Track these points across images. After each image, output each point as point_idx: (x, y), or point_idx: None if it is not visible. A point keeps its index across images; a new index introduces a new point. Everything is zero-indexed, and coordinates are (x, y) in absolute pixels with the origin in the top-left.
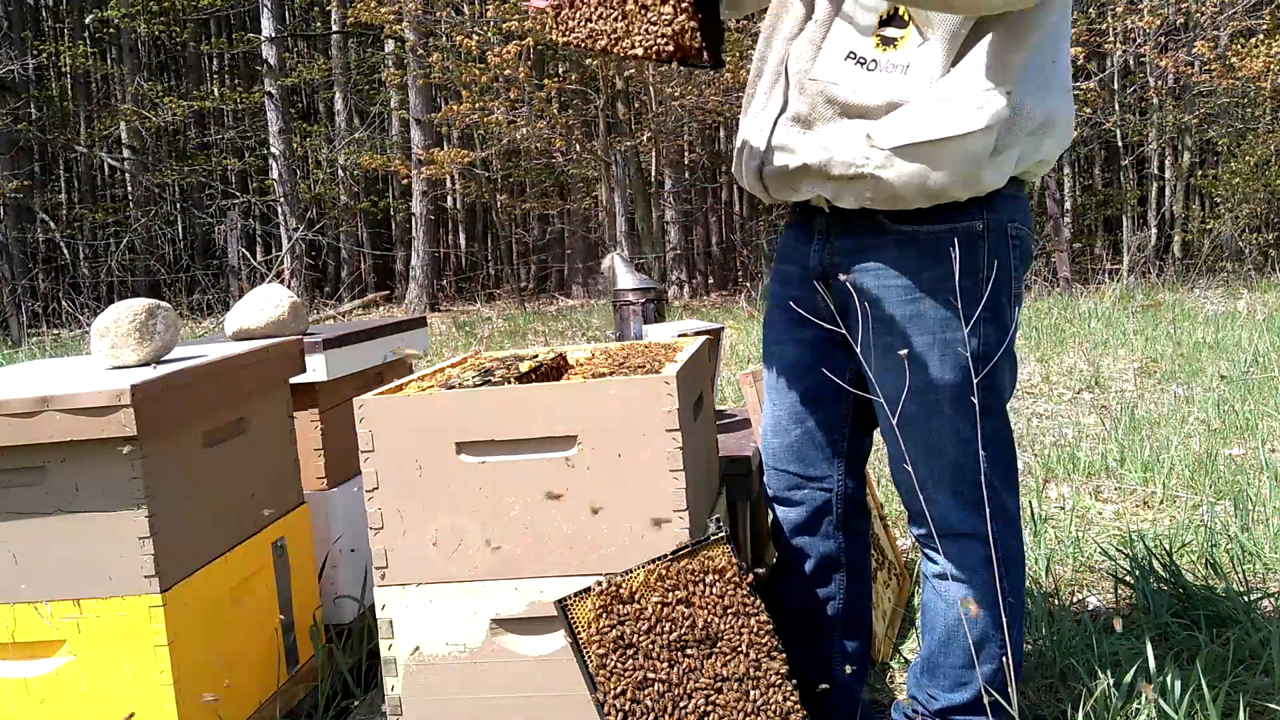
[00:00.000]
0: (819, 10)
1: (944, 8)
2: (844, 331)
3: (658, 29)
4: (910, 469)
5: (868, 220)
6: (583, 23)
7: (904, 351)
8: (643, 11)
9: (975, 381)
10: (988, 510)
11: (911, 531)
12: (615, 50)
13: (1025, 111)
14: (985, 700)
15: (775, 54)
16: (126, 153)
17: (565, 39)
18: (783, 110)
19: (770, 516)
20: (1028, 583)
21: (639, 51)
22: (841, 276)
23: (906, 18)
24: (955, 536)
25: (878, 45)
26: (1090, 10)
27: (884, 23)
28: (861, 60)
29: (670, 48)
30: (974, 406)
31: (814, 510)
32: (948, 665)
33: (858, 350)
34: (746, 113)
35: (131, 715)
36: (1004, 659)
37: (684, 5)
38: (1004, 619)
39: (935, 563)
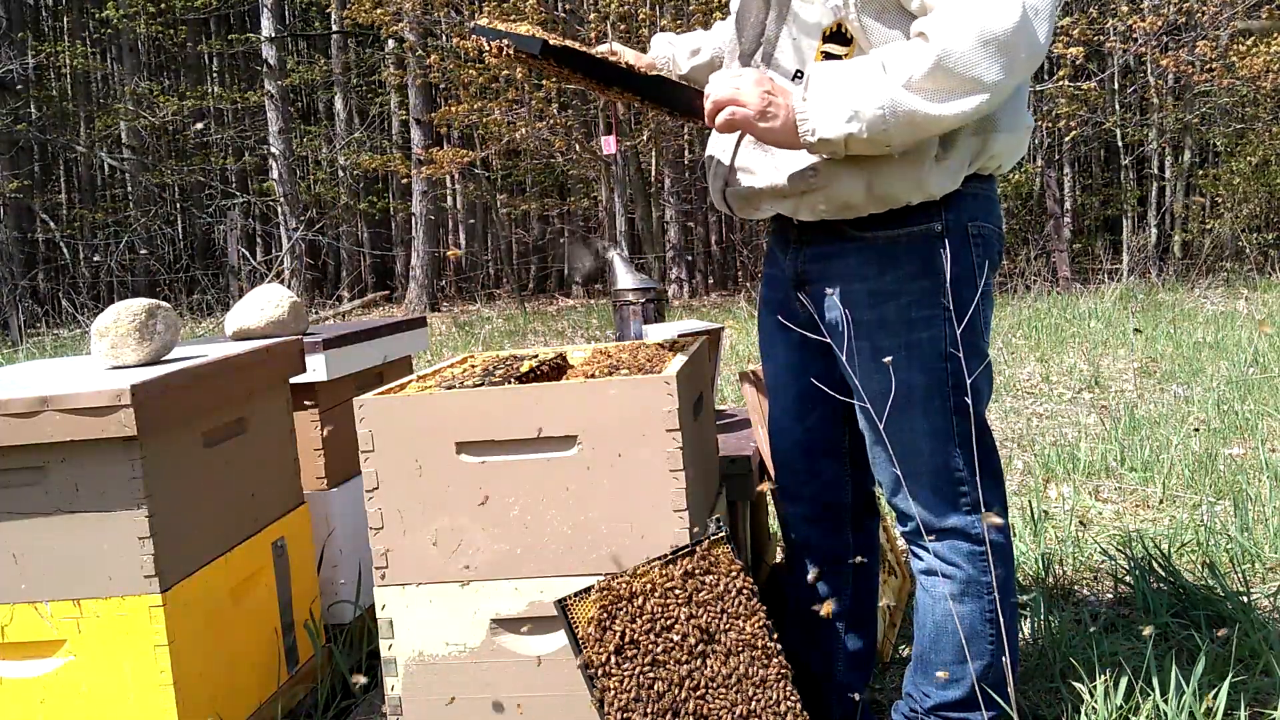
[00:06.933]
0: (768, 31)
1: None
2: (820, 337)
3: None
4: (891, 468)
5: (831, 229)
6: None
7: (885, 357)
8: None
9: (946, 381)
10: (968, 507)
11: (898, 529)
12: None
13: None
14: (979, 696)
15: None
16: (126, 152)
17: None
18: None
19: (779, 513)
20: (1028, 582)
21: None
22: (809, 287)
23: (849, 34)
24: (938, 533)
25: (822, 61)
26: (1090, 10)
27: (828, 39)
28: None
29: None
30: (947, 406)
31: (821, 506)
32: (939, 662)
33: (840, 356)
34: (713, 132)
35: None
36: (995, 654)
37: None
38: (994, 613)
39: (921, 559)
